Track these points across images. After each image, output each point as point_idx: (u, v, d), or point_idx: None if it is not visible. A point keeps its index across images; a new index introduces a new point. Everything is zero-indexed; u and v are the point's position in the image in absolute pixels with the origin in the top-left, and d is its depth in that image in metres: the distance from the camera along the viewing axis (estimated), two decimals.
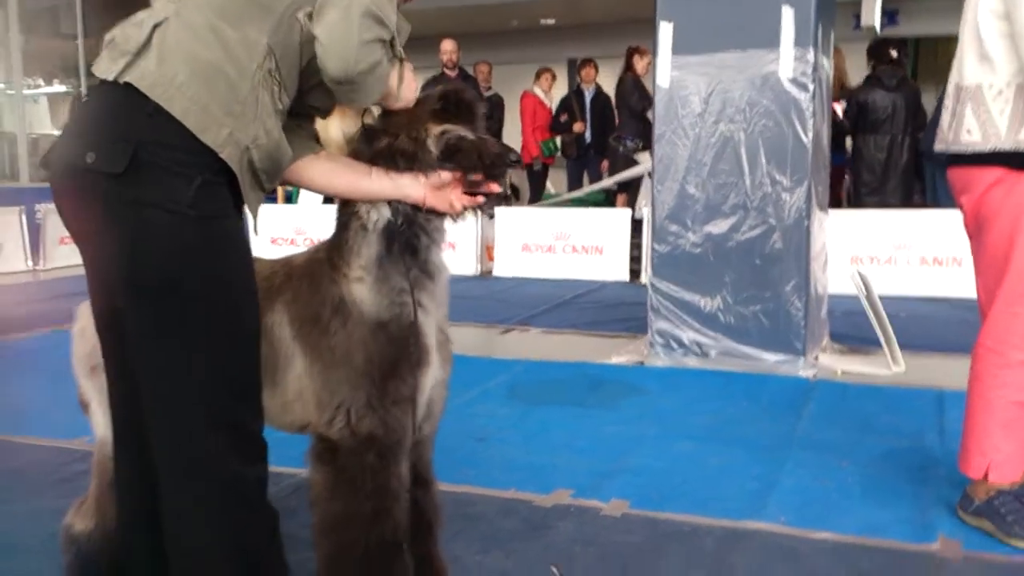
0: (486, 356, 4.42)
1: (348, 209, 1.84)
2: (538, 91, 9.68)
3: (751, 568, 2.15)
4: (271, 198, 8.94)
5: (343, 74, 1.56)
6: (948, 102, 2.32)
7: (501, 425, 3.31)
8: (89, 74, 1.54)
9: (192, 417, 1.57)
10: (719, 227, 4.01)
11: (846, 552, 2.22)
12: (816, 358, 4.13)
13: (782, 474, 2.76)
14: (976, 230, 2.30)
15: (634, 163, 7.98)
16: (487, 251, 7.74)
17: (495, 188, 1.83)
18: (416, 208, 1.82)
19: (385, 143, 1.82)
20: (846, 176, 7.23)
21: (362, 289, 1.81)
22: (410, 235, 1.83)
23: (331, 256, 1.86)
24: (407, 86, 1.77)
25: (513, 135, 9.84)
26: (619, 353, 4.41)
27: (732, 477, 2.75)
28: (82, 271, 1.65)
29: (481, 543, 2.31)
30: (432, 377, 1.90)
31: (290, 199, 8.89)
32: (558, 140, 9.47)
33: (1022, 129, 2.10)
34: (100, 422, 1.93)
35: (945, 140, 2.32)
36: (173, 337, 1.55)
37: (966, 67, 2.26)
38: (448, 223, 1.88)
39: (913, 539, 2.29)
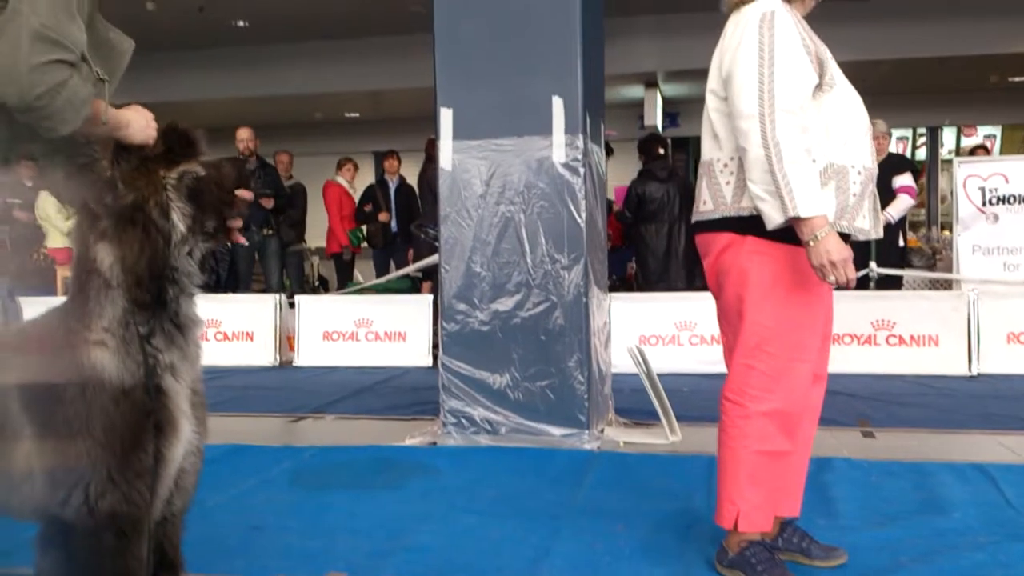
0: (273, 445, 4.24)
1: (87, 264, 1.74)
2: (341, 181, 9.71)
3: None
4: None
5: (19, 101, 1.51)
6: (697, 179, 2.56)
7: (279, 512, 3.15)
8: None
9: None
10: (505, 305, 4.12)
11: None
12: (601, 431, 4.27)
13: (558, 541, 2.79)
14: (717, 290, 2.50)
15: (437, 250, 8.10)
16: (288, 341, 7.54)
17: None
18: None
19: (131, 199, 1.74)
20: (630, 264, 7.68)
21: (104, 354, 1.71)
22: (157, 286, 1.76)
23: (69, 319, 1.75)
24: (139, 118, 1.73)
25: (317, 223, 9.79)
26: (412, 435, 4.37)
27: (510, 548, 2.75)
28: None
29: None
30: (183, 446, 1.80)
31: None
32: (364, 229, 9.50)
33: (743, 198, 2.32)
34: None
35: (694, 211, 2.54)
36: None
37: (704, 145, 2.51)
38: (197, 268, 1.82)
39: None
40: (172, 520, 1.89)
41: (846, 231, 2.33)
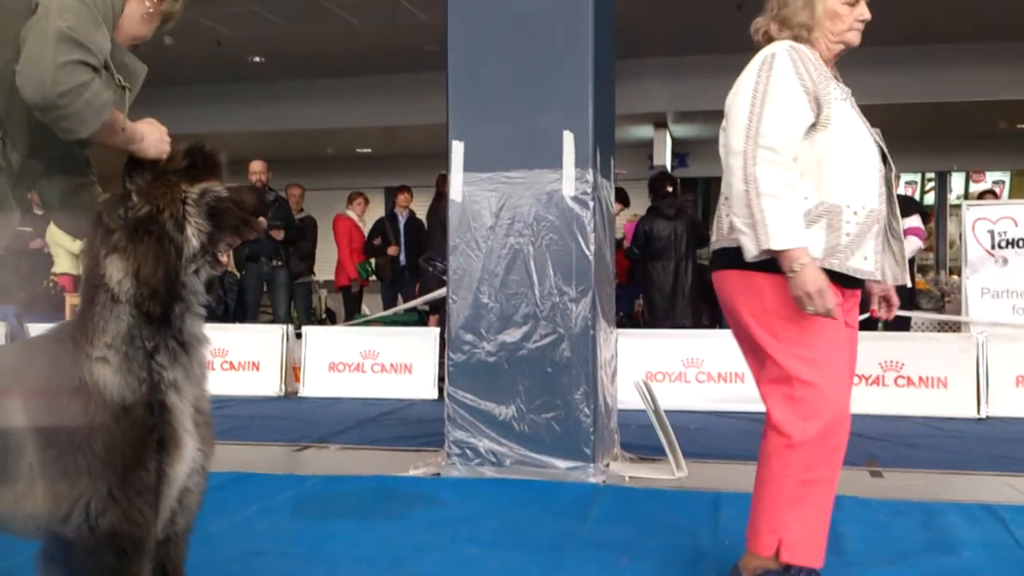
0: (277, 473, 4.23)
1: (95, 278, 1.75)
2: (351, 214, 9.78)
3: None
4: None
5: (41, 98, 1.55)
6: None
7: (281, 539, 3.13)
8: None
9: None
10: (512, 336, 4.12)
11: None
12: (607, 465, 4.24)
13: (561, 573, 2.77)
14: (731, 324, 2.52)
15: (444, 284, 8.12)
16: (293, 372, 7.53)
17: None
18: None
19: (145, 211, 1.76)
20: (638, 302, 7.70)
21: (105, 371, 1.71)
22: (167, 300, 1.76)
23: (74, 334, 1.76)
24: (154, 132, 1.76)
25: (326, 256, 9.83)
26: (416, 466, 4.35)
27: None
28: None
29: None
30: (187, 465, 1.79)
31: None
32: (373, 262, 9.56)
33: (733, 229, 2.37)
34: None
35: None
36: None
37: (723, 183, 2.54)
38: (203, 287, 1.83)
39: None
40: (175, 540, 1.87)
41: (838, 270, 2.35)
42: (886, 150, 2.48)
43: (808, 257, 2.25)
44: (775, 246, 2.24)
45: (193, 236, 1.77)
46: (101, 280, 1.73)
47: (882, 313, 2.57)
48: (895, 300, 2.58)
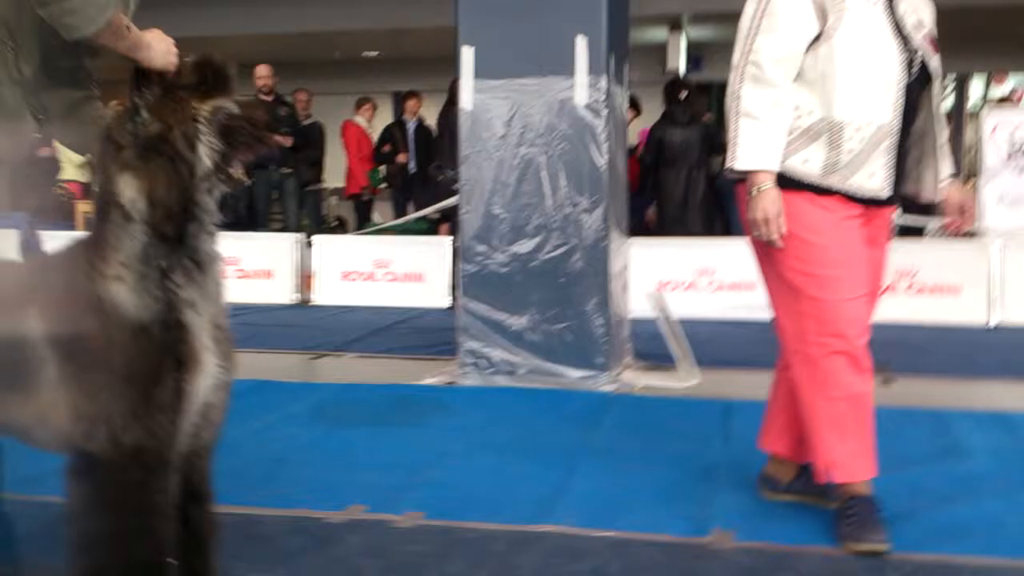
0: (294, 381, 4.30)
1: (108, 196, 1.73)
2: (360, 121, 9.64)
3: (535, 567, 2.18)
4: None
5: None
6: None
7: (301, 446, 3.21)
8: None
9: None
10: (524, 247, 4.11)
11: (625, 547, 2.29)
12: (619, 374, 4.29)
13: (574, 480, 2.83)
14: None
15: (455, 193, 8.05)
16: (306, 280, 7.58)
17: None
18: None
19: (156, 129, 1.73)
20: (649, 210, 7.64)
21: (121, 289, 1.71)
22: (181, 220, 1.75)
23: (88, 253, 1.75)
24: (161, 42, 1.72)
25: (335, 163, 9.74)
26: (431, 374, 4.41)
27: (528, 485, 2.79)
28: None
29: (265, 562, 2.22)
30: (207, 380, 1.81)
31: None
32: (383, 170, 9.47)
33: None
34: None
35: None
36: None
37: None
38: (215, 205, 1.81)
39: (689, 532, 2.40)
40: (200, 453, 1.90)
41: (838, 188, 2.29)
42: (929, 60, 2.34)
43: (771, 183, 2.25)
44: (738, 166, 2.26)
45: (205, 155, 1.74)
46: (113, 198, 1.71)
47: (955, 224, 2.49)
48: (972, 212, 2.50)
